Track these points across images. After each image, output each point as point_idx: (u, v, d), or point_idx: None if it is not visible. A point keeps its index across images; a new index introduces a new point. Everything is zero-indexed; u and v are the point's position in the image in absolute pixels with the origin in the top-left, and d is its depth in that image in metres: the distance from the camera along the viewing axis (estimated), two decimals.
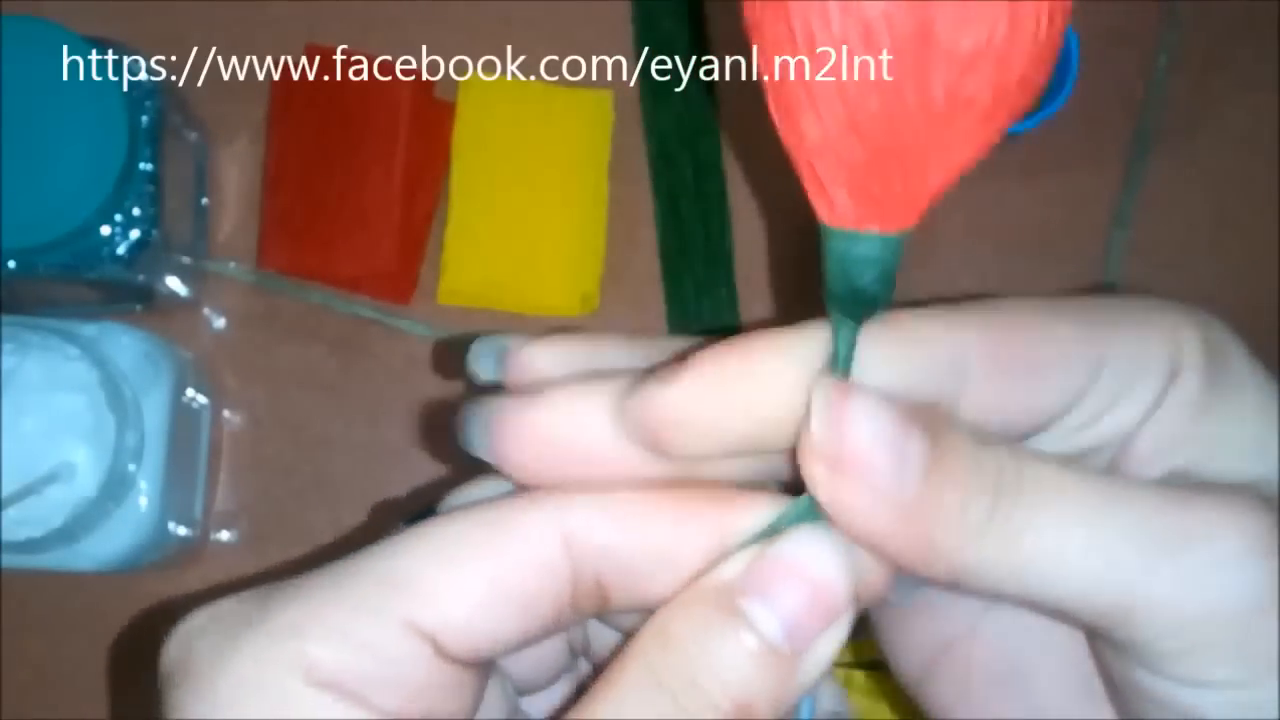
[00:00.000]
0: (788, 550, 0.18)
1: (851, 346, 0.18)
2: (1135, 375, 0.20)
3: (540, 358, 0.21)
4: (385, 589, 0.18)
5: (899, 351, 0.19)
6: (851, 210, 0.18)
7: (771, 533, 0.18)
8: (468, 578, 0.18)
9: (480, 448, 0.19)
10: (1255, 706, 0.18)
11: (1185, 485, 0.18)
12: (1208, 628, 0.17)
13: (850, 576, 0.18)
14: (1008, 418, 0.20)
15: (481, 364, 0.21)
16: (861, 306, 0.18)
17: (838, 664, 0.49)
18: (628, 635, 0.19)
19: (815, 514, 0.18)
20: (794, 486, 0.19)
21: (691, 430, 0.18)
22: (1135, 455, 0.20)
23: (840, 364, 0.18)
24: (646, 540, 0.18)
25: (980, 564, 0.18)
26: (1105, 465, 0.21)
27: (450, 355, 0.51)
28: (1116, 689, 0.20)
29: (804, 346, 0.19)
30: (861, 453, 0.17)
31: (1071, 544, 0.17)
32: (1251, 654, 0.17)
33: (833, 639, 0.18)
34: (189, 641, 0.18)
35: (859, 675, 0.49)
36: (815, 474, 0.18)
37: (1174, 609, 0.17)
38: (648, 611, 0.19)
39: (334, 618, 0.18)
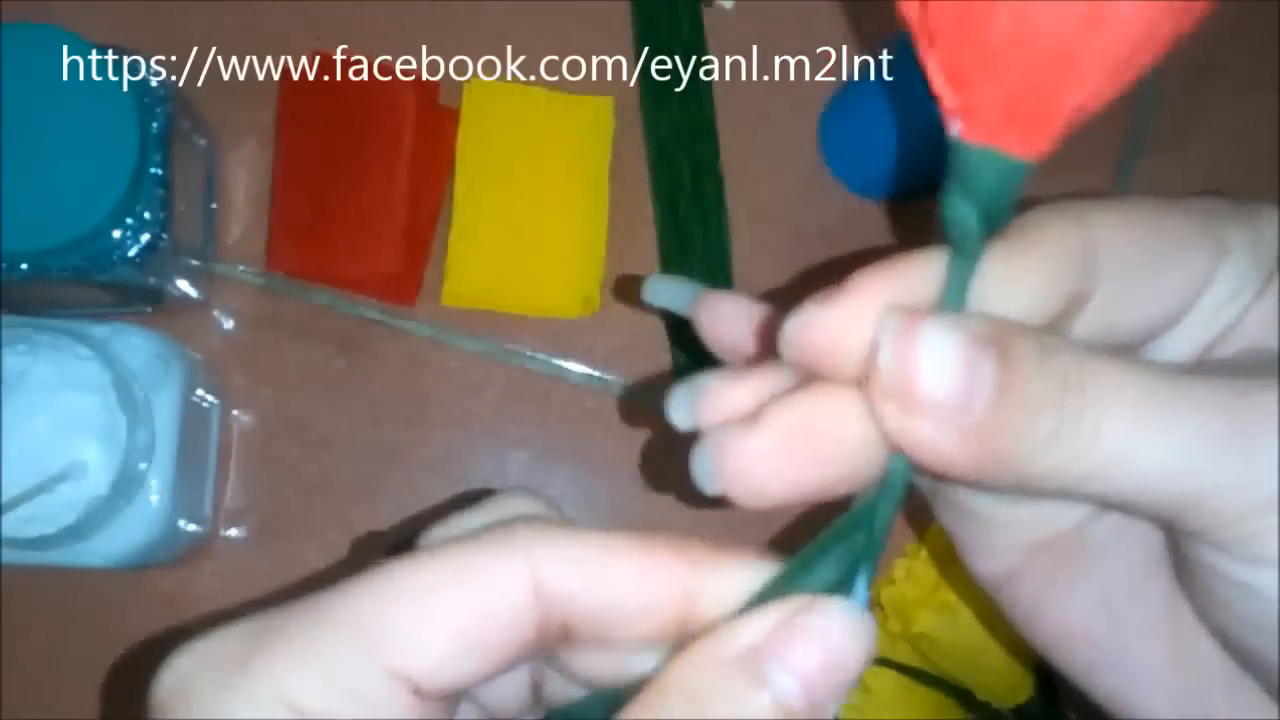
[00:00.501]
0: (815, 620, 0.18)
1: (969, 273, 0.18)
2: (1253, 265, 0.20)
3: (732, 392, 0.21)
4: (366, 636, 0.18)
5: (1029, 263, 0.19)
6: (998, 125, 0.18)
7: (776, 593, 0.18)
8: (443, 624, 0.18)
9: (707, 482, 0.19)
10: None
11: (1250, 376, 0.18)
12: (1270, 513, 0.18)
13: (866, 653, 0.18)
14: (1141, 312, 0.20)
15: (677, 411, 0.21)
16: (982, 229, 0.18)
17: None
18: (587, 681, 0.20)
19: (808, 574, 0.18)
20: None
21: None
22: (1238, 336, 0.21)
23: (952, 297, 0.18)
24: (611, 590, 0.19)
25: (1052, 470, 0.18)
26: (1207, 348, 0.21)
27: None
28: (1184, 566, 0.21)
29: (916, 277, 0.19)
30: (933, 389, 0.17)
31: (1138, 443, 0.18)
32: None
33: (842, 699, 0.18)
34: (181, 677, 0.19)
35: None
36: (885, 412, 0.18)
37: (1238, 498, 0.18)
38: (608, 649, 0.19)
39: (319, 663, 0.18)
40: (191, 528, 0.46)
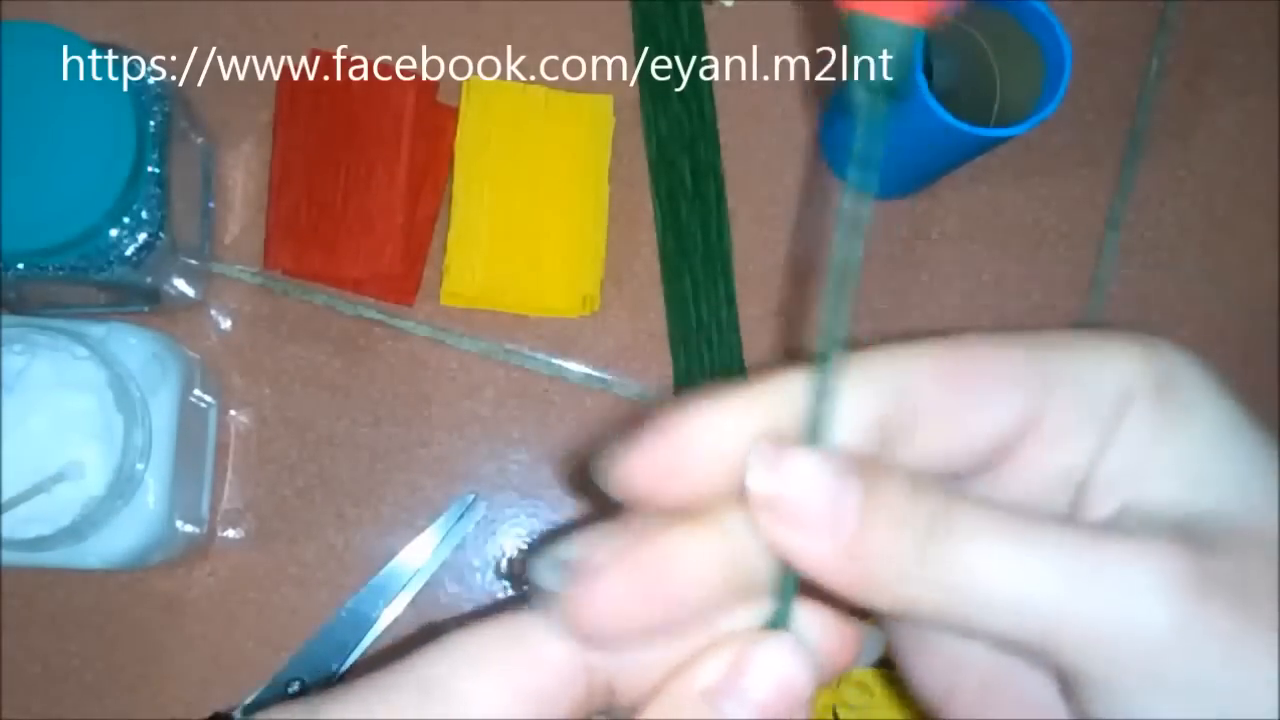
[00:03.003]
0: (758, 656, 0.20)
1: (829, 403, 0.20)
2: (1085, 403, 0.21)
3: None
4: (429, 695, 0.20)
5: (854, 392, 0.21)
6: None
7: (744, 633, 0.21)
8: (498, 687, 0.20)
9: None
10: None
11: (1109, 526, 0.20)
12: (1124, 657, 0.19)
13: (810, 672, 0.20)
14: (962, 443, 0.21)
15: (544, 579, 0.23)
16: (881, 92, 0.20)
17: None
18: None
19: (783, 616, 0.20)
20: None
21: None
22: (1094, 489, 0.21)
23: (818, 423, 0.20)
24: (648, 653, 0.21)
25: (918, 597, 0.19)
26: (1067, 507, 0.22)
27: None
28: (1068, 700, 0.22)
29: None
30: (802, 503, 0.19)
31: (997, 577, 0.19)
32: (1168, 684, 0.19)
33: (802, 714, 0.20)
34: None
35: (856, 670, 0.49)
36: (760, 523, 0.20)
37: (1092, 638, 0.19)
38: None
39: (384, 715, 0.20)
40: (189, 528, 0.46)
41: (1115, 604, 0.19)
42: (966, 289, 0.54)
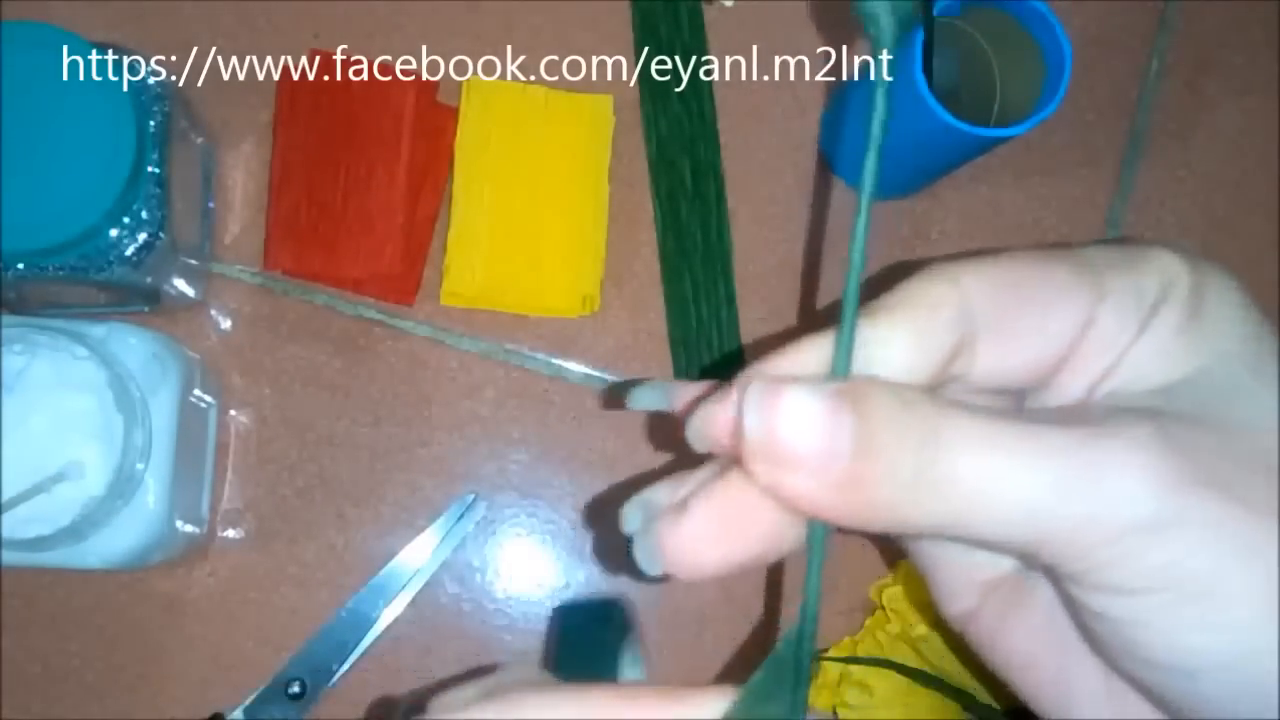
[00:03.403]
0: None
1: (850, 343, 0.20)
2: (1131, 305, 0.22)
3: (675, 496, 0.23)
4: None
5: (900, 326, 0.21)
6: None
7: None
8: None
9: (650, 565, 0.22)
10: (1163, 606, 0.20)
11: (1096, 422, 0.20)
12: (1109, 550, 0.20)
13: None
14: (1023, 359, 0.22)
15: (631, 523, 0.24)
16: (893, 26, 0.21)
17: (835, 660, 0.49)
18: None
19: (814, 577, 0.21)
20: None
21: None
22: (1114, 371, 0.22)
23: (838, 365, 0.20)
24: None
25: (915, 514, 0.20)
26: (1085, 391, 0.22)
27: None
28: (1067, 606, 0.23)
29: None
30: (797, 447, 0.20)
31: (989, 487, 0.20)
32: (1156, 574, 0.20)
33: None
34: None
35: (856, 670, 0.49)
36: (757, 471, 0.20)
37: (1083, 533, 0.20)
38: None
39: None
40: (189, 529, 0.46)
41: (1101, 500, 0.19)
42: None
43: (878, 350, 0.21)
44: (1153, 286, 0.22)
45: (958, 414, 0.20)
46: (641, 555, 0.22)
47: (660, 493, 0.24)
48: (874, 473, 0.19)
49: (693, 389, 0.26)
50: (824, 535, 0.21)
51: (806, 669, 0.20)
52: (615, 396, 0.52)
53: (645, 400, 0.28)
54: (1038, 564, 0.21)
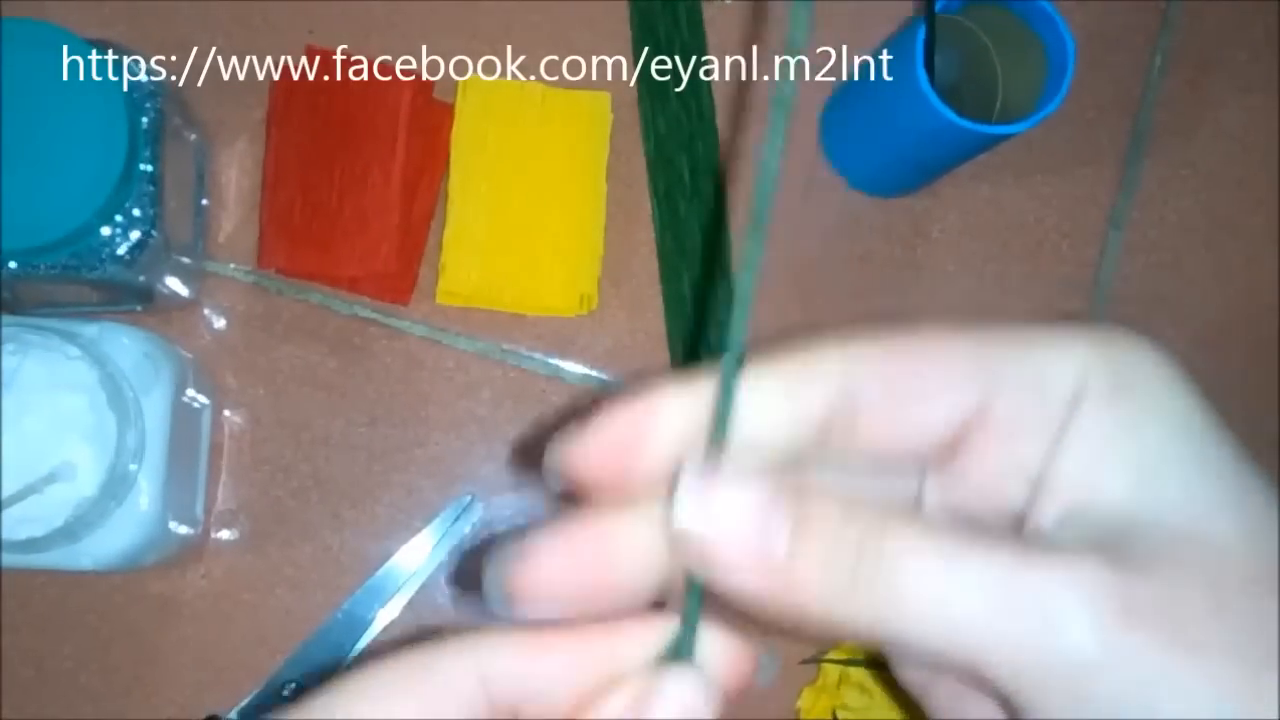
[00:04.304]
0: (664, 690, 0.20)
1: (730, 403, 0.20)
2: (1033, 400, 0.21)
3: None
4: None
5: (788, 388, 0.21)
6: None
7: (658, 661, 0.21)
8: (401, 715, 0.20)
9: (498, 604, 0.22)
10: None
11: (1044, 549, 0.20)
12: (1051, 682, 0.19)
13: (713, 705, 0.20)
14: (905, 438, 0.22)
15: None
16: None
17: (835, 662, 0.49)
18: None
19: (688, 644, 0.21)
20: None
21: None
22: (1046, 490, 0.21)
23: (718, 426, 0.20)
24: (549, 670, 0.21)
25: (848, 620, 0.20)
26: (1023, 504, 0.22)
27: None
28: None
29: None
30: (728, 546, 0.19)
31: (926, 601, 0.19)
32: (1095, 709, 0.19)
33: None
34: None
35: (855, 672, 0.49)
36: (688, 559, 0.20)
37: (1020, 662, 0.19)
38: None
39: None
40: (182, 530, 0.46)
41: (1042, 629, 0.19)
42: (968, 288, 0.54)
43: (750, 409, 0.21)
44: (1057, 377, 0.21)
45: (901, 524, 0.20)
46: (491, 595, 0.22)
47: (525, 538, 0.24)
48: (809, 575, 0.19)
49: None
50: (697, 615, 0.21)
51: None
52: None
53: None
54: (975, 683, 0.21)
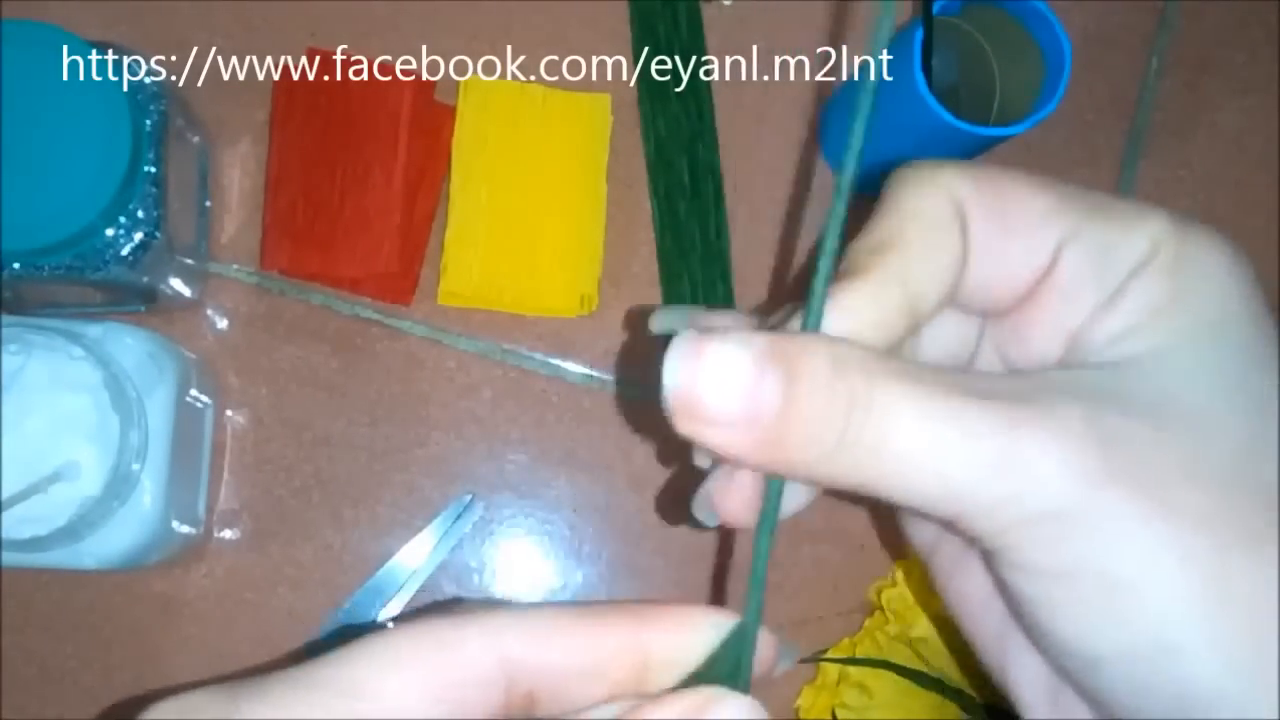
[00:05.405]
0: (719, 710, 0.20)
1: (823, 298, 0.20)
2: (1100, 260, 0.21)
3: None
4: (347, 696, 0.19)
5: (917, 231, 0.22)
6: None
7: (708, 667, 0.21)
8: (415, 689, 0.20)
9: (709, 520, 0.24)
10: (1075, 594, 0.20)
11: (1029, 400, 0.20)
12: (1025, 531, 0.20)
13: None
14: (987, 280, 0.22)
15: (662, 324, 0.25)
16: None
17: (834, 661, 0.49)
18: None
19: (736, 661, 0.20)
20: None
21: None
22: (1082, 343, 0.22)
23: (811, 316, 0.20)
24: (570, 657, 0.21)
25: (838, 474, 0.20)
26: (1057, 360, 0.22)
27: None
28: (991, 573, 0.23)
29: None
30: (717, 405, 0.19)
31: (913, 458, 0.20)
32: (1067, 562, 0.20)
33: None
34: None
35: (854, 671, 0.49)
36: (676, 422, 0.20)
37: (996, 515, 0.20)
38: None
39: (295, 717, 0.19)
40: (185, 529, 0.46)
41: (1020, 484, 0.19)
42: None
43: (900, 257, 0.21)
44: (1129, 245, 0.21)
45: (890, 379, 0.20)
46: (699, 513, 0.23)
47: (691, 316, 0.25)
48: (798, 434, 0.19)
49: (715, 318, 0.26)
50: (779, 494, 0.21)
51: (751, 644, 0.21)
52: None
53: (667, 322, 0.29)
54: (959, 533, 0.21)
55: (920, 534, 0.26)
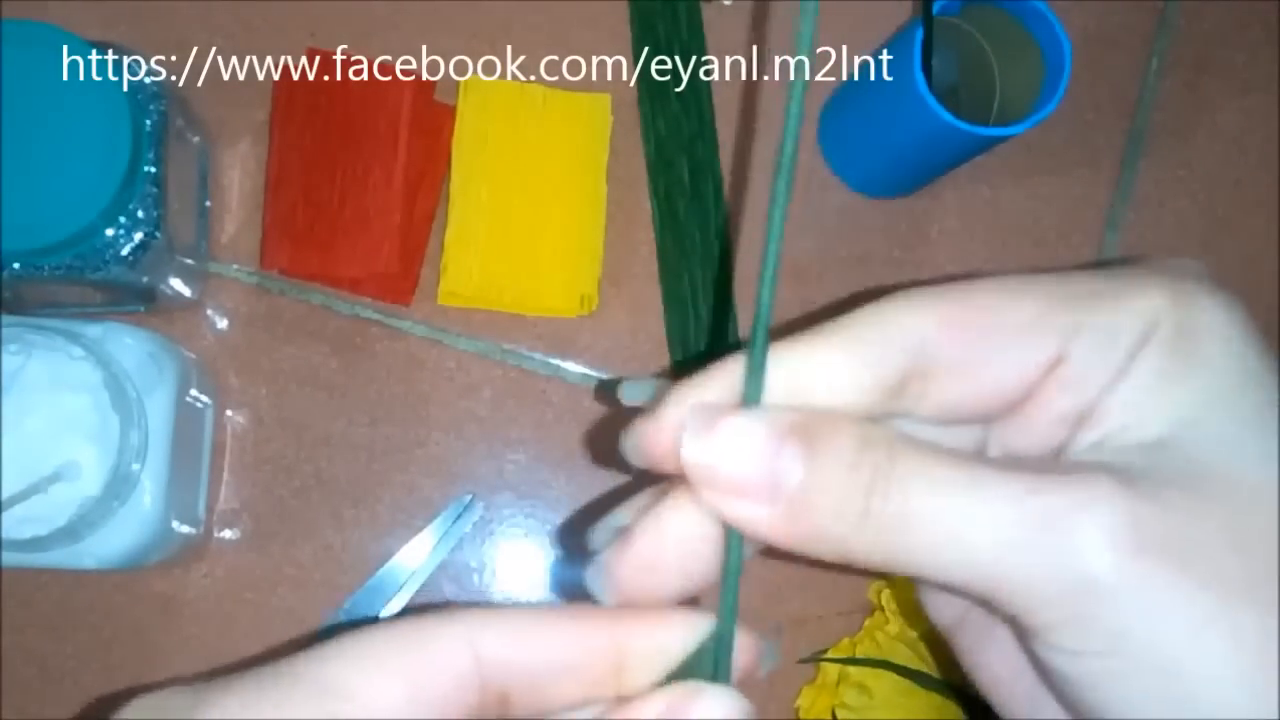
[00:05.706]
0: (697, 707, 0.20)
1: (761, 370, 0.20)
2: (1107, 346, 0.21)
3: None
4: (319, 693, 0.19)
5: (858, 344, 0.21)
6: None
7: (685, 670, 0.20)
8: (389, 688, 0.20)
9: (602, 597, 0.22)
10: (1119, 674, 0.19)
11: (1052, 472, 0.19)
12: (1059, 605, 0.19)
13: None
14: (982, 392, 0.21)
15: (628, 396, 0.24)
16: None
17: (834, 661, 0.49)
18: None
19: (712, 659, 0.20)
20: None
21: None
22: (1090, 422, 0.21)
23: (750, 391, 0.20)
24: (547, 657, 0.21)
25: (862, 550, 0.20)
26: (1063, 442, 0.22)
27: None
28: (1025, 649, 0.22)
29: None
30: (737, 476, 0.19)
31: (942, 532, 0.19)
32: (1102, 633, 0.19)
33: None
34: None
35: (854, 671, 0.49)
36: (702, 495, 0.20)
37: (1031, 589, 0.19)
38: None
39: (270, 714, 0.19)
40: (185, 529, 0.46)
41: (1055, 552, 0.19)
42: None
43: (821, 372, 0.20)
44: (1131, 326, 0.21)
45: (914, 453, 0.19)
46: (593, 586, 0.22)
47: (624, 515, 0.24)
48: (821, 506, 0.19)
49: (682, 386, 0.26)
50: (739, 550, 0.21)
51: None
52: (607, 391, 0.52)
53: (635, 394, 0.28)
54: (994, 610, 0.21)
55: (942, 612, 0.26)
